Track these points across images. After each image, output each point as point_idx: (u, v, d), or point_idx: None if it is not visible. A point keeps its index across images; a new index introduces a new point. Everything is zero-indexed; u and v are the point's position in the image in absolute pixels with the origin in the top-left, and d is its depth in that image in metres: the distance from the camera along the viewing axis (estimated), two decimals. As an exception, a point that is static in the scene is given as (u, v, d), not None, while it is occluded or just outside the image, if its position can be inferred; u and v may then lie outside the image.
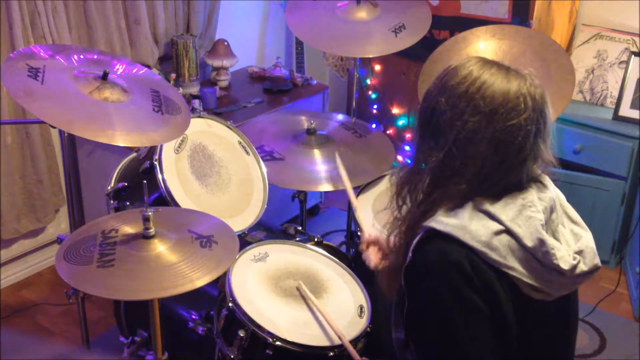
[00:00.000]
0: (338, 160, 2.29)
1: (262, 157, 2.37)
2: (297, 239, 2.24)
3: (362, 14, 2.66)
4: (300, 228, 2.34)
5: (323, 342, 1.79)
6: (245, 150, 2.34)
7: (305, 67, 3.76)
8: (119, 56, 2.25)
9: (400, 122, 3.79)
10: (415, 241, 1.38)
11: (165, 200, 2.05)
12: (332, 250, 2.20)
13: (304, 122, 2.65)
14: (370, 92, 3.83)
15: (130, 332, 2.23)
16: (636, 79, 3.17)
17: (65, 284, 1.64)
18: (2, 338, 0.80)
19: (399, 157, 3.75)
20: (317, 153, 2.50)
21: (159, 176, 2.06)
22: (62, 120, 1.79)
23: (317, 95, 3.50)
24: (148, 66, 3.06)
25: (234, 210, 2.19)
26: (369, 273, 1.88)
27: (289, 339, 1.76)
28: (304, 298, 1.90)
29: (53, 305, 2.92)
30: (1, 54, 2.63)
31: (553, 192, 1.45)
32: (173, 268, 1.64)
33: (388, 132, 3.80)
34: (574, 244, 1.43)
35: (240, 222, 2.16)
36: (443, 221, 1.35)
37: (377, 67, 3.78)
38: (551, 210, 1.41)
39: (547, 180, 1.46)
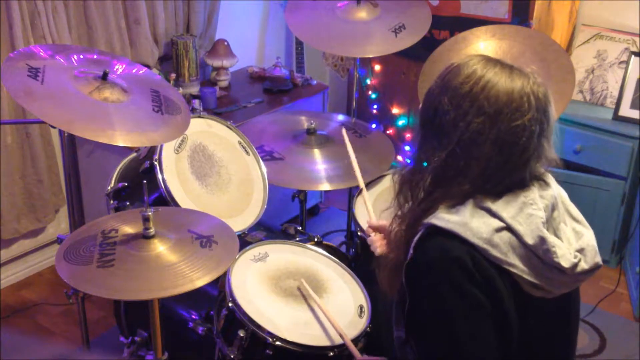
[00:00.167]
0: (345, 137, 2.26)
1: (262, 157, 2.37)
2: (297, 239, 2.24)
3: (362, 14, 2.65)
4: (300, 228, 2.34)
5: (323, 342, 1.79)
6: (245, 150, 2.34)
7: (305, 67, 3.76)
8: (119, 56, 2.25)
9: (400, 122, 3.79)
10: (416, 238, 1.38)
11: (165, 200, 2.05)
12: (332, 250, 2.20)
13: (304, 122, 2.65)
14: (370, 92, 3.83)
15: (130, 332, 2.23)
16: (636, 79, 3.17)
17: (65, 284, 1.64)
18: (2, 338, 0.80)
19: (399, 157, 3.75)
20: (317, 153, 2.50)
21: (159, 176, 2.06)
22: (62, 120, 1.79)
23: (317, 95, 3.50)
24: (148, 66, 3.06)
25: (234, 210, 2.19)
26: (369, 273, 1.88)
27: (289, 339, 1.76)
28: (305, 297, 1.90)
29: (53, 305, 2.92)
30: (1, 54, 2.63)
31: (555, 190, 1.44)
32: (173, 268, 1.64)
33: (388, 132, 3.80)
34: (575, 242, 1.43)
35: (240, 222, 2.16)
36: (444, 218, 1.35)
37: (377, 67, 3.78)
38: (553, 208, 1.40)
39: (550, 178, 1.46)
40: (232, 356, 1.80)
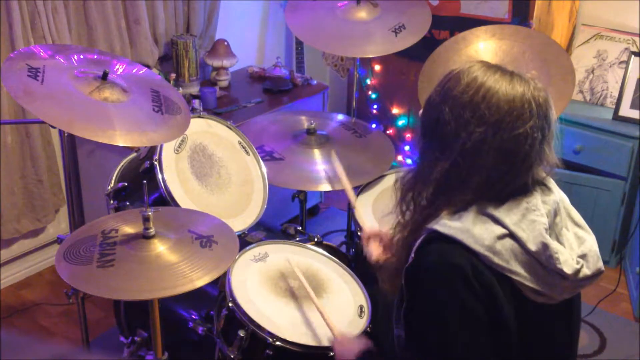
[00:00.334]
0: (335, 158, 2.29)
1: (262, 157, 2.37)
2: (297, 239, 2.24)
3: (362, 14, 2.65)
4: (300, 228, 2.34)
5: (323, 342, 1.79)
6: (245, 150, 2.34)
7: (305, 67, 3.76)
8: (119, 56, 2.25)
9: (400, 122, 3.79)
10: (418, 242, 1.38)
11: (165, 200, 2.05)
12: (332, 250, 2.20)
13: (304, 122, 2.65)
14: (370, 92, 3.83)
15: (130, 332, 2.23)
16: (636, 79, 3.17)
17: (65, 284, 1.64)
18: (2, 338, 0.80)
19: (399, 157, 3.75)
20: (317, 153, 2.50)
21: (159, 176, 2.06)
22: (62, 120, 1.79)
23: (317, 95, 3.50)
24: (148, 66, 3.06)
25: (234, 210, 2.18)
26: (369, 273, 1.88)
27: (289, 339, 1.76)
28: (303, 296, 1.90)
29: (53, 305, 2.92)
30: (1, 54, 2.63)
31: (557, 195, 1.44)
32: (173, 268, 1.64)
33: (388, 132, 3.80)
34: (577, 248, 1.42)
35: (240, 222, 2.16)
36: (447, 224, 1.35)
37: (377, 67, 3.77)
38: (555, 213, 1.40)
39: (552, 183, 1.46)
40: (232, 356, 1.80)
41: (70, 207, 2.27)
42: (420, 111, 1.47)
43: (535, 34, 2.54)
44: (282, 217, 3.30)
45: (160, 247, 1.69)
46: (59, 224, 3.11)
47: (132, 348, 2.15)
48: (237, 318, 1.81)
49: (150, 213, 1.68)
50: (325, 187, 2.42)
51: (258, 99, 3.32)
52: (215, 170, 2.23)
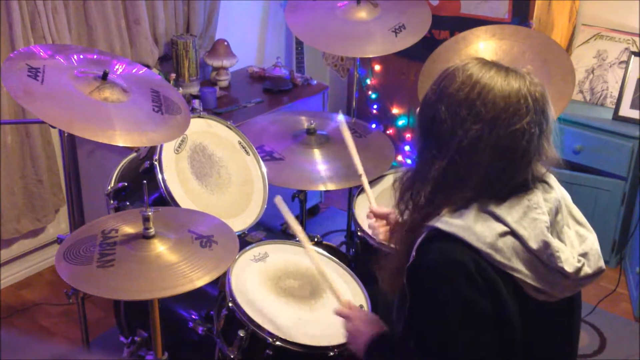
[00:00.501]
0: (343, 124, 2.25)
1: (262, 157, 2.37)
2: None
3: (362, 14, 2.65)
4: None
5: (323, 342, 1.79)
6: (245, 150, 2.34)
7: (305, 67, 3.76)
8: (119, 56, 2.25)
9: (400, 122, 3.79)
10: (419, 240, 1.38)
11: (165, 200, 2.05)
12: (332, 250, 2.20)
13: (304, 122, 2.65)
14: (370, 92, 3.83)
15: (130, 332, 2.23)
16: (636, 79, 3.17)
17: (65, 284, 1.64)
18: (2, 338, 0.80)
19: (399, 157, 3.75)
20: (317, 153, 2.50)
21: (159, 176, 2.06)
22: (62, 120, 1.79)
23: (317, 95, 3.50)
24: (148, 66, 3.06)
25: (234, 210, 2.18)
26: (369, 273, 1.88)
27: (289, 339, 1.76)
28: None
29: (53, 305, 2.92)
30: (1, 54, 2.63)
31: (559, 193, 1.44)
32: (173, 268, 1.64)
33: (388, 132, 3.80)
34: (578, 246, 1.42)
35: (240, 222, 2.16)
36: (448, 221, 1.35)
37: (377, 67, 3.77)
38: (556, 211, 1.40)
39: (553, 180, 1.45)
40: (232, 356, 1.80)
41: (70, 207, 2.27)
42: (417, 110, 1.47)
43: (535, 34, 2.54)
44: (282, 217, 3.29)
45: (160, 247, 1.69)
46: (59, 224, 3.11)
47: (132, 348, 2.15)
48: (237, 318, 1.81)
49: (150, 213, 1.68)
50: (325, 187, 2.42)
51: (258, 99, 3.32)
52: (215, 170, 2.23)
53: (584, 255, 1.41)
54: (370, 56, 3.45)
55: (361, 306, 1.93)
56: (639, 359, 2.74)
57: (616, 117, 3.18)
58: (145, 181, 1.75)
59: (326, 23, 2.65)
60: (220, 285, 1.91)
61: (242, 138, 2.35)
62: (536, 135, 1.34)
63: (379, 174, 2.50)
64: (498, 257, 1.32)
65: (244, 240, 2.16)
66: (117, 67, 2.07)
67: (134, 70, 2.11)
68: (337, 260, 2.09)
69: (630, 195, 3.15)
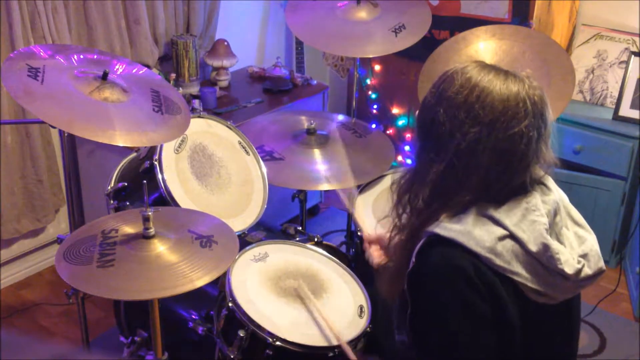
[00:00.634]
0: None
1: (262, 157, 2.37)
2: (297, 239, 2.24)
3: (362, 14, 2.65)
4: (300, 228, 2.34)
5: (323, 342, 1.79)
6: (245, 150, 2.34)
7: (305, 67, 3.76)
8: (119, 56, 2.25)
9: (400, 122, 3.79)
10: (418, 246, 1.38)
11: (165, 200, 2.05)
12: (332, 250, 2.20)
13: (304, 122, 2.65)
14: (370, 92, 3.83)
15: (130, 332, 2.23)
16: (636, 79, 3.17)
17: (65, 284, 1.64)
18: (2, 338, 0.80)
19: (399, 157, 3.75)
20: (317, 153, 2.50)
21: (159, 176, 2.06)
22: (62, 120, 1.79)
23: (317, 95, 3.50)
24: (148, 66, 3.06)
25: (234, 210, 2.18)
26: (369, 273, 1.88)
27: (289, 339, 1.76)
28: (302, 299, 1.90)
29: (53, 305, 2.92)
30: (1, 54, 2.63)
31: (557, 195, 1.44)
32: (173, 268, 1.64)
33: (388, 132, 3.80)
34: (578, 247, 1.42)
35: (240, 222, 2.16)
36: (447, 227, 1.34)
37: (377, 67, 3.77)
38: (555, 213, 1.40)
39: (551, 182, 1.45)
40: (232, 356, 1.80)
41: (70, 207, 2.27)
42: (416, 112, 1.46)
43: (535, 34, 2.54)
44: (282, 217, 3.30)
45: (160, 247, 1.69)
46: (59, 224, 3.11)
47: (132, 348, 2.15)
48: (237, 318, 1.81)
49: (150, 213, 1.68)
50: (325, 187, 2.42)
51: (258, 99, 3.32)
52: (215, 170, 2.23)
53: (584, 256, 1.41)
54: (370, 56, 3.45)
55: (361, 307, 1.93)
56: (639, 359, 2.74)
57: (616, 117, 3.18)
58: (145, 181, 1.75)
59: (326, 23, 2.64)
60: (220, 285, 1.91)
61: (242, 138, 2.35)
62: (534, 139, 1.34)
63: (378, 174, 2.50)
64: (498, 261, 1.32)
65: (244, 240, 2.16)
66: (117, 67, 2.07)
67: (134, 70, 2.11)
68: (337, 260, 2.09)
69: (630, 195, 3.15)
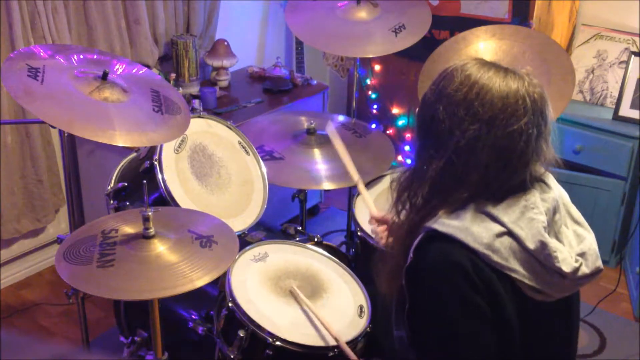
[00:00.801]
0: (333, 134, 2.23)
1: (262, 157, 2.37)
2: (297, 239, 2.24)
3: (362, 14, 2.65)
4: (300, 228, 2.34)
5: (323, 342, 1.79)
6: (245, 150, 2.34)
7: (305, 67, 3.76)
8: (119, 56, 2.25)
9: (400, 122, 3.79)
10: (416, 242, 1.38)
11: (165, 200, 2.05)
12: (332, 250, 2.20)
13: (304, 122, 2.65)
14: (370, 92, 3.83)
15: (130, 332, 2.23)
16: (636, 79, 3.17)
17: (65, 284, 1.64)
18: (2, 338, 0.80)
19: (399, 157, 3.75)
20: (317, 153, 2.50)
21: (159, 176, 2.06)
22: (62, 120, 1.79)
23: (317, 95, 3.50)
24: (148, 66, 3.06)
25: (234, 210, 2.18)
26: (369, 273, 1.88)
27: (289, 339, 1.76)
28: (292, 295, 1.90)
29: (53, 305, 2.92)
30: (1, 54, 2.63)
31: (557, 192, 1.44)
32: (173, 268, 1.64)
33: (388, 132, 3.80)
34: (576, 246, 1.42)
35: (240, 222, 2.16)
36: (445, 222, 1.35)
37: (377, 67, 3.78)
38: (554, 211, 1.40)
39: (551, 180, 1.45)
40: (232, 356, 1.80)
41: (70, 207, 2.27)
42: (416, 110, 1.47)
43: (535, 34, 2.54)
44: (282, 217, 3.30)
45: (160, 247, 1.69)
46: (59, 224, 3.11)
47: (132, 348, 2.15)
48: (237, 318, 1.81)
49: (150, 213, 1.68)
50: (325, 187, 2.42)
51: (258, 99, 3.32)
52: (215, 170, 2.23)
53: (582, 255, 1.41)
54: (370, 56, 3.45)
55: (361, 307, 1.93)
56: (639, 359, 2.74)
57: (616, 117, 3.18)
58: (145, 181, 1.75)
59: (326, 23, 2.65)
60: (220, 285, 1.91)
61: (242, 138, 2.35)
62: (534, 136, 1.34)
63: (378, 174, 2.50)
64: (495, 258, 1.32)
65: (244, 240, 2.16)
66: (117, 67, 2.07)
67: (134, 70, 2.11)
68: (337, 260, 2.09)
69: (630, 195, 3.15)
